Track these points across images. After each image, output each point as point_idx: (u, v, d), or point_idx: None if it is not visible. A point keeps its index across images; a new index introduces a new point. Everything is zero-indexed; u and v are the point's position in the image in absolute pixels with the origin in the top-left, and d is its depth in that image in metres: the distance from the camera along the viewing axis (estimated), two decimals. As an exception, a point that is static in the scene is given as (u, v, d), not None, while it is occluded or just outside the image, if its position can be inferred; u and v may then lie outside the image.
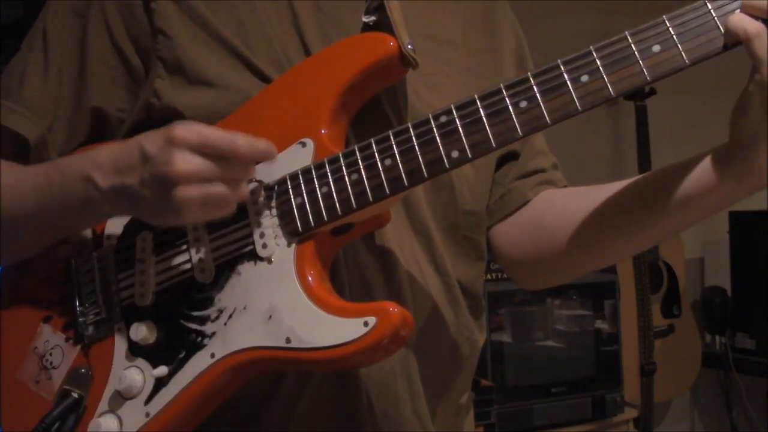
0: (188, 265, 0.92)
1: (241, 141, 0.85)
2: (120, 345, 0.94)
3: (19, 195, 0.95)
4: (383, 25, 0.93)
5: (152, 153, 0.84)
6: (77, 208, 0.91)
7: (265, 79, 0.95)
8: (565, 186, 1.14)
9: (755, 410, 3.59)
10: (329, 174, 0.88)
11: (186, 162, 0.82)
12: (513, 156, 1.12)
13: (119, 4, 0.98)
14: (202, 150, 0.83)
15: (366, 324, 0.83)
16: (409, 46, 0.90)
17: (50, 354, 0.98)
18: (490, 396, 2.69)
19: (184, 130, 0.84)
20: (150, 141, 0.85)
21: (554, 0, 3.30)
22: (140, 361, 0.92)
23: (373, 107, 0.96)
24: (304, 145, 0.90)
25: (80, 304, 0.97)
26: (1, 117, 0.99)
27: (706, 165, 0.87)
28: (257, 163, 0.88)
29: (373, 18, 0.95)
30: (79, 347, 0.97)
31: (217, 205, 0.85)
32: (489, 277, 2.73)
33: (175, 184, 0.82)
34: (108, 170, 0.87)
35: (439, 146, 0.85)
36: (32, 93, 1.00)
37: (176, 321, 0.92)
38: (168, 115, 0.95)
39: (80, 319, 0.97)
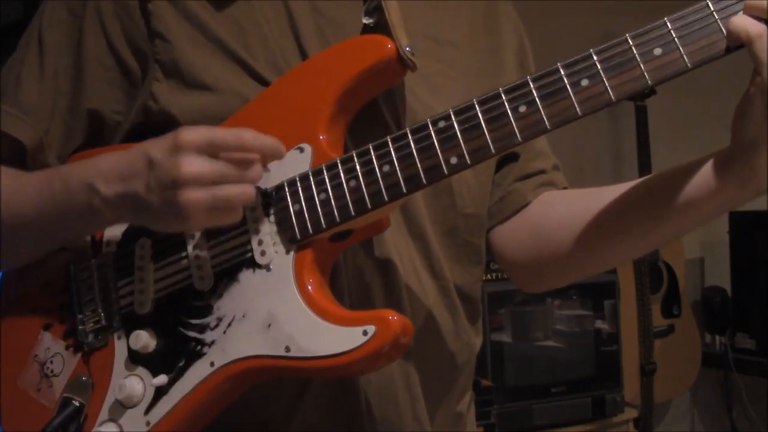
0: (187, 273, 0.92)
1: (248, 134, 0.85)
2: (120, 353, 0.94)
3: (20, 202, 0.94)
4: (382, 26, 0.92)
5: (158, 158, 0.83)
6: (79, 215, 0.91)
7: (264, 83, 0.94)
8: (566, 188, 1.13)
9: (755, 410, 3.58)
10: (327, 180, 0.88)
11: (193, 165, 0.82)
12: (513, 157, 1.11)
13: (116, 5, 0.97)
14: (210, 150, 0.83)
15: (365, 333, 0.83)
16: (408, 49, 0.89)
17: (51, 362, 0.98)
18: (490, 396, 2.68)
19: (190, 132, 0.83)
20: (156, 146, 0.84)
21: (554, 0, 3.30)
22: (140, 370, 0.92)
23: (370, 110, 0.95)
24: (302, 150, 0.90)
25: (80, 312, 0.97)
26: None
27: (707, 169, 0.86)
28: (265, 163, 0.88)
29: (372, 20, 0.94)
30: (79, 355, 0.96)
31: (224, 209, 0.84)
32: (489, 277, 2.72)
33: (182, 187, 0.82)
34: (112, 177, 0.87)
35: (437, 152, 0.85)
36: (28, 96, 0.99)
37: (175, 329, 0.91)
38: (164, 119, 0.95)
39: (80, 327, 0.97)
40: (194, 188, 0.82)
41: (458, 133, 0.84)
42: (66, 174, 0.92)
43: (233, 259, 0.90)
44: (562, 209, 1.05)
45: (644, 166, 3.12)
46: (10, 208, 0.95)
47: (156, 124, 0.96)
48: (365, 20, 0.95)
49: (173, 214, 0.83)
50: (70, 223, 0.93)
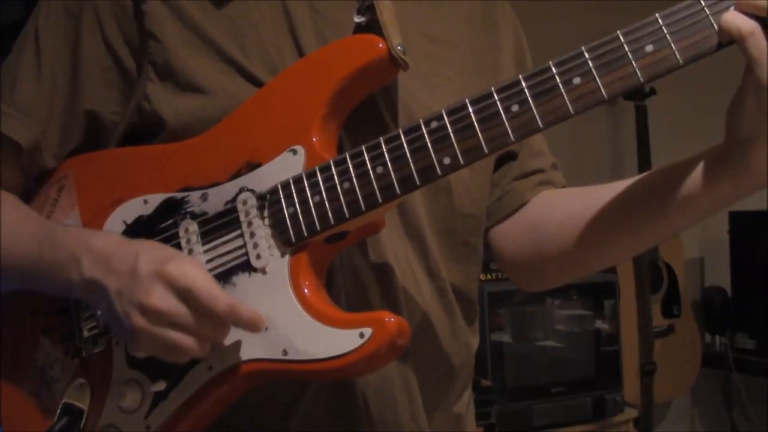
0: None
1: (223, 305, 0.84)
2: (118, 358, 0.94)
3: (9, 252, 0.96)
4: (374, 25, 0.92)
5: (140, 273, 0.85)
6: (59, 285, 0.93)
7: (258, 84, 0.94)
8: (564, 186, 1.13)
9: (755, 410, 3.58)
10: (321, 183, 0.88)
11: (161, 300, 0.83)
12: (511, 156, 1.11)
13: (112, 4, 0.97)
14: (185, 296, 0.84)
15: (362, 335, 0.83)
16: (399, 47, 0.89)
17: (50, 367, 0.98)
18: (490, 396, 2.69)
19: (178, 269, 0.84)
20: (145, 259, 0.86)
21: (554, 0, 3.30)
22: (138, 375, 0.92)
23: (368, 108, 0.95)
24: (295, 152, 0.90)
25: (78, 317, 0.97)
26: None
27: (703, 166, 0.86)
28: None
29: (363, 18, 0.94)
30: (78, 360, 0.96)
31: (169, 351, 0.85)
32: (489, 277, 2.72)
33: (141, 313, 0.84)
34: (97, 262, 0.88)
35: (431, 153, 0.85)
36: (25, 96, 0.99)
37: None
38: (156, 121, 0.95)
39: (78, 332, 0.96)
40: (150, 319, 0.84)
41: (451, 134, 0.84)
42: (57, 240, 0.93)
43: (228, 263, 0.90)
44: (561, 208, 1.05)
45: (644, 166, 3.11)
46: None
47: (149, 125, 0.96)
48: (357, 19, 0.94)
49: (123, 327, 0.86)
50: (49, 286, 0.96)
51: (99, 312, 0.92)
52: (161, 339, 0.84)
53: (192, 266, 0.86)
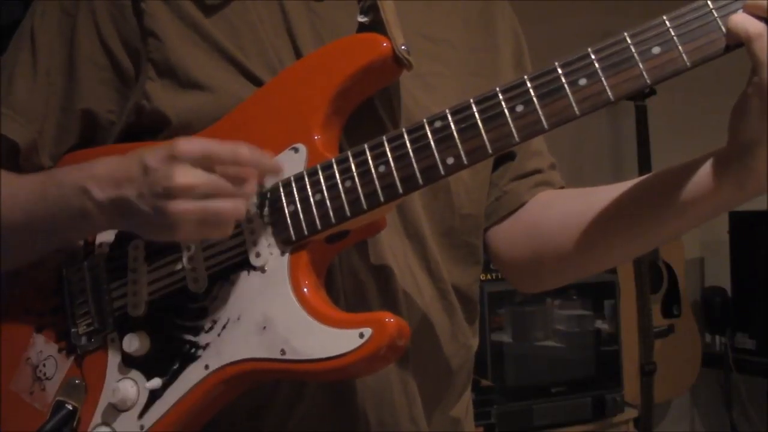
0: (181, 275, 0.91)
1: (245, 150, 0.84)
2: (113, 356, 0.93)
3: (11, 206, 0.93)
4: (377, 24, 0.92)
5: (152, 166, 0.83)
6: (71, 219, 0.90)
7: (258, 83, 0.93)
8: (563, 187, 1.12)
9: (755, 410, 3.59)
10: (322, 181, 0.87)
11: (186, 176, 0.81)
12: (510, 157, 1.10)
13: (109, 4, 0.97)
14: (205, 162, 0.82)
15: (361, 336, 0.82)
16: (403, 47, 0.88)
17: (44, 365, 0.97)
18: (490, 396, 2.68)
19: (187, 143, 0.83)
20: (151, 154, 0.83)
21: (554, 0, 3.29)
22: (134, 373, 0.91)
23: (366, 109, 0.94)
24: (296, 150, 0.89)
25: (72, 314, 0.96)
26: None
27: (705, 170, 0.85)
28: (261, 179, 0.87)
29: (367, 18, 0.94)
30: (72, 358, 0.96)
31: (214, 224, 0.83)
32: (489, 277, 2.72)
33: (174, 197, 0.81)
34: (105, 182, 0.86)
35: (434, 153, 0.84)
36: (21, 96, 0.99)
37: (170, 332, 0.91)
38: (157, 119, 0.94)
39: (72, 330, 0.96)
40: (185, 200, 0.81)
41: (455, 133, 0.83)
42: (59, 177, 0.92)
43: (228, 261, 0.89)
44: (559, 209, 1.05)
45: (644, 166, 3.12)
46: (2, 212, 0.94)
47: (149, 123, 0.96)
48: (360, 18, 0.94)
49: (162, 224, 0.83)
50: (61, 226, 0.92)
51: (133, 228, 0.89)
52: (202, 214, 0.82)
53: (196, 138, 0.85)
